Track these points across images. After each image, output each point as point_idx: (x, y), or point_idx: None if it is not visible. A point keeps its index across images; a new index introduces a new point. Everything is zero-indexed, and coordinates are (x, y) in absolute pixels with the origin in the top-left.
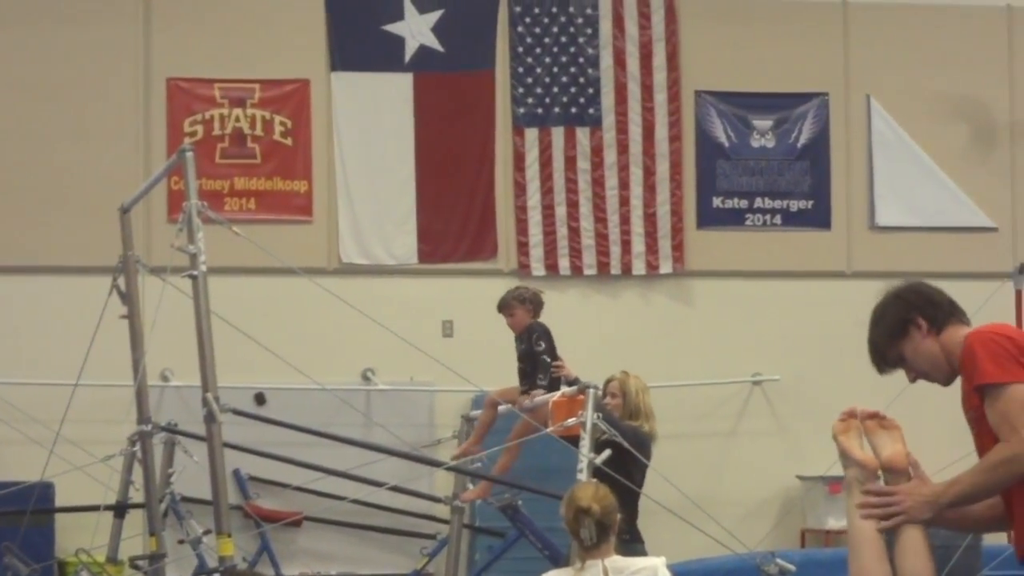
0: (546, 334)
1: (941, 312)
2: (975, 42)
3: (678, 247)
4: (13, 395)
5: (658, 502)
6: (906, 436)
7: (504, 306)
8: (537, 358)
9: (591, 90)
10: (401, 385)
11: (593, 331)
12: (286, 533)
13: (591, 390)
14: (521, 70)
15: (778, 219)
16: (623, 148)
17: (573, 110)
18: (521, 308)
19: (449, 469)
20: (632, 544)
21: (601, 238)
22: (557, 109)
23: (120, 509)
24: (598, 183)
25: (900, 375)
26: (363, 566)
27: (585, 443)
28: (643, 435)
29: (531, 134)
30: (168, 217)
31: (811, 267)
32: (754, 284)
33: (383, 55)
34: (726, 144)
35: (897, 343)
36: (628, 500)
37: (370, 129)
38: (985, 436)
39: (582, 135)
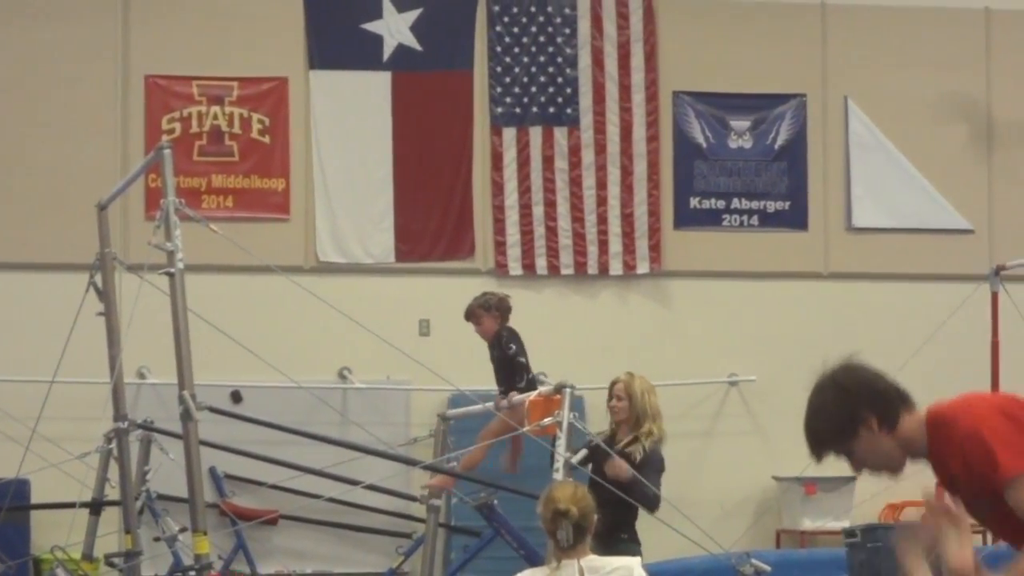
0: (515, 336)
1: (891, 406)
2: (953, 44)
3: (655, 247)
4: None
5: (634, 501)
6: None
7: (470, 315)
8: (512, 362)
9: (569, 90)
10: (378, 384)
11: (570, 331)
12: (262, 531)
13: (567, 390)
14: (499, 69)
15: (755, 220)
16: (601, 148)
17: (551, 110)
18: (487, 316)
19: (425, 468)
20: (629, 544)
21: (578, 238)
22: (535, 109)
23: (96, 506)
24: (576, 183)
25: None
26: (339, 564)
27: (561, 442)
28: (660, 454)
29: (509, 133)
30: (146, 214)
31: (788, 268)
32: (731, 285)
33: (361, 54)
34: (703, 145)
35: (846, 442)
36: (629, 504)
37: (348, 127)
38: (1004, 520)
39: (560, 135)
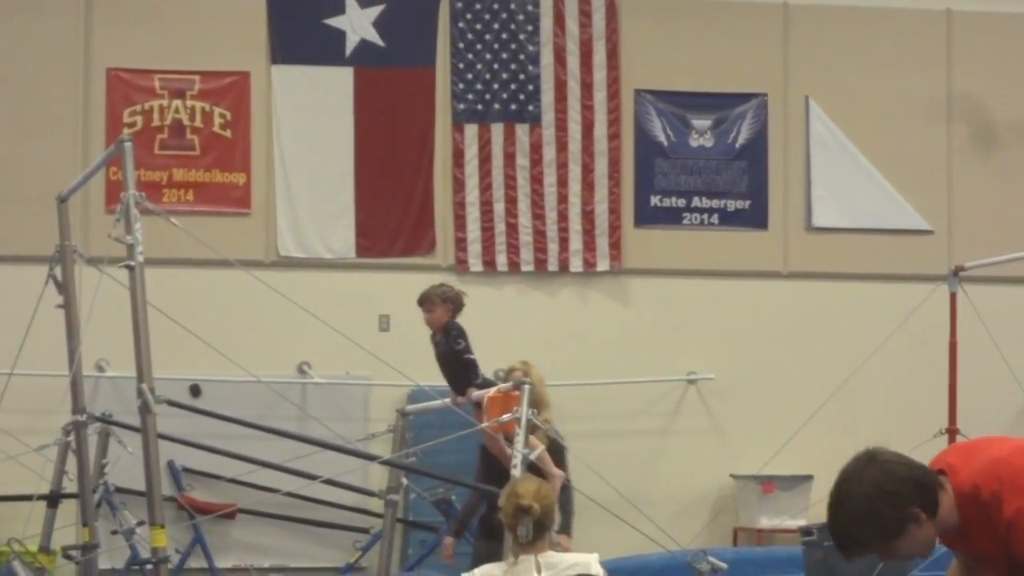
0: (463, 333)
1: (932, 493)
2: (915, 45)
3: (615, 245)
4: None
5: (592, 499)
6: (839, 437)
7: (425, 300)
8: (460, 358)
9: (531, 87)
10: (337, 379)
11: (530, 328)
12: (220, 525)
13: (526, 386)
14: (461, 66)
15: (715, 219)
16: (562, 145)
17: (513, 107)
18: (442, 306)
19: (384, 463)
20: None
21: (539, 235)
22: (497, 106)
23: (53, 499)
24: (536, 180)
25: (829, 376)
26: (296, 559)
27: (520, 439)
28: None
29: (470, 130)
30: (106, 207)
31: (747, 267)
32: (691, 283)
33: (323, 49)
34: (664, 143)
35: (893, 542)
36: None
37: (310, 123)
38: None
39: (521, 132)
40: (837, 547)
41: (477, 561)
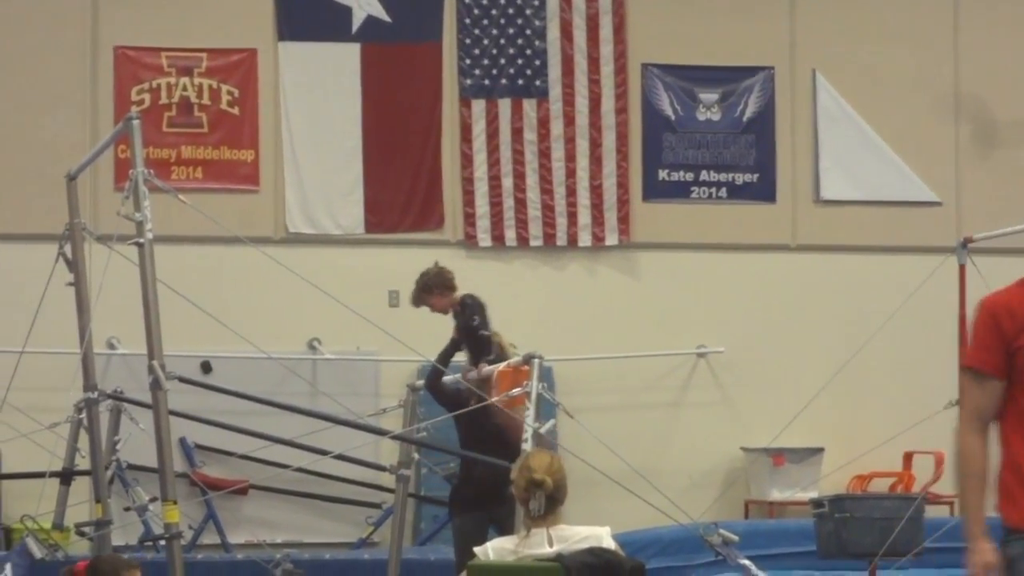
0: (478, 308)
1: None
2: (921, 18)
3: (624, 219)
4: None
5: (603, 472)
6: (849, 409)
7: (418, 302)
8: (475, 333)
9: (538, 62)
10: (347, 354)
11: (539, 302)
12: (232, 501)
13: (535, 360)
14: (468, 41)
15: (723, 192)
16: (569, 120)
17: (520, 82)
18: (434, 295)
19: (394, 438)
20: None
21: (547, 210)
22: (504, 81)
23: (66, 476)
24: (544, 155)
25: (839, 349)
26: (309, 535)
27: (530, 413)
28: None
29: (478, 106)
30: (115, 185)
31: (756, 240)
32: (699, 256)
33: (330, 25)
34: (672, 117)
35: None
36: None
37: (317, 99)
38: None
39: (529, 107)
40: None
41: (465, 538)
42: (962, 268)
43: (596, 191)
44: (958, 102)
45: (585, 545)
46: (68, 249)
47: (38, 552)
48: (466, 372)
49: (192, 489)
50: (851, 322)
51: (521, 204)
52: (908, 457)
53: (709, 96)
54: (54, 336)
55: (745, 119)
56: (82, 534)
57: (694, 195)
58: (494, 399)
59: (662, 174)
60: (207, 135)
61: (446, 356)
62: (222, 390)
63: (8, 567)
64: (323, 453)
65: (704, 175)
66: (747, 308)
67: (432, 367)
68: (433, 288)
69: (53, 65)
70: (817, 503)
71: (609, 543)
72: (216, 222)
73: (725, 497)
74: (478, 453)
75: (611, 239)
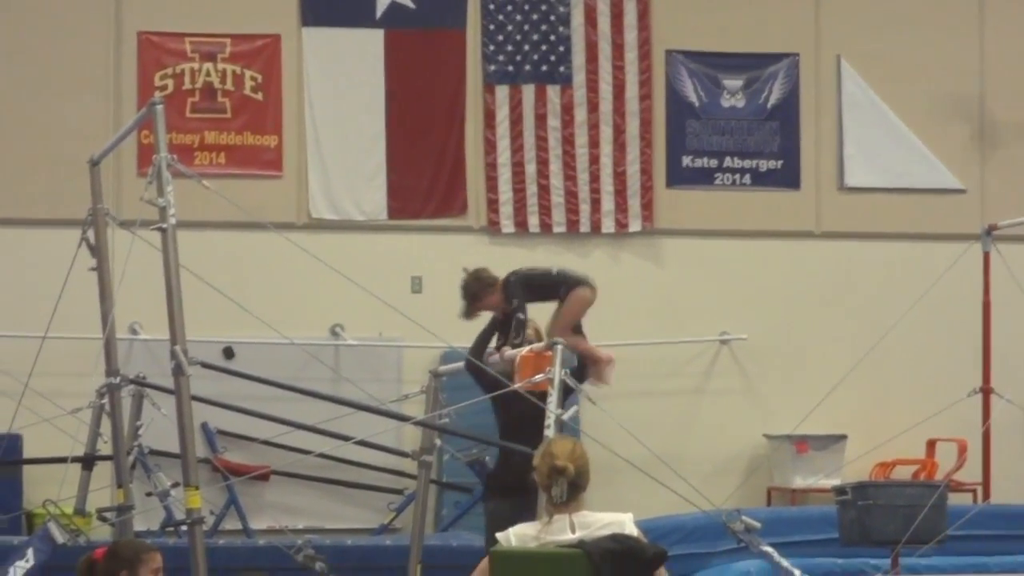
0: (517, 291)
1: None
2: (946, 4)
3: (647, 206)
4: None
5: (626, 459)
6: (872, 396)
7: (471, 313)
8: (514, 314)
9: (562, 48)
10: (370, 340)
11: None
12: (254, 487)
13: (558, 346)
14: (492, 27)
15: (747, 179)
16: (593, 106)
17: (544, 68)
18: (483, 300)
19: (417, 424)
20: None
21: (571, 196)
22: (528, 67)
23: (88, 461)
24: (568, 141)
25: (862, 336)
26: (330, 520)
27: (553, 399)
28: None
29: (502, 91)
30: (138, 170)
31: (780, 227)
32: (723, 243)
33: (354, 11)
34: (696, 103)
35: None
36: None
37: (341, 85)
38: None
39: (552, 93)
40: None
41: (498, 522)
42: (986, 256)
43: (620, 177)
44: (983, 89)
45: (607, 532)
46: (91, 234)
47: (60, 537)
48: (488, 356)
49: (214, 475)
50: (875, 309)
51: (544, 190)
52: (931, 444)
53: (733, 83)
54: (76, 321)
55: (769, 106)
56: (104, 519)
57: (718, 182)
58: (516, 385)
59: (686, 160)
60: (230, 120)
61: (485, 337)
62: (244, 375)
63: (30, 551)
64: (345, 439)
65: (728, 162)
66: (770, 295)
67: (474, 343)
68: (479, 294)
69: (76, 50)
70: (840, 490)
71: (632, 530)
72: (239, 207)
73: (748, 484)
74: (516, 439)
75: (634, 225)
